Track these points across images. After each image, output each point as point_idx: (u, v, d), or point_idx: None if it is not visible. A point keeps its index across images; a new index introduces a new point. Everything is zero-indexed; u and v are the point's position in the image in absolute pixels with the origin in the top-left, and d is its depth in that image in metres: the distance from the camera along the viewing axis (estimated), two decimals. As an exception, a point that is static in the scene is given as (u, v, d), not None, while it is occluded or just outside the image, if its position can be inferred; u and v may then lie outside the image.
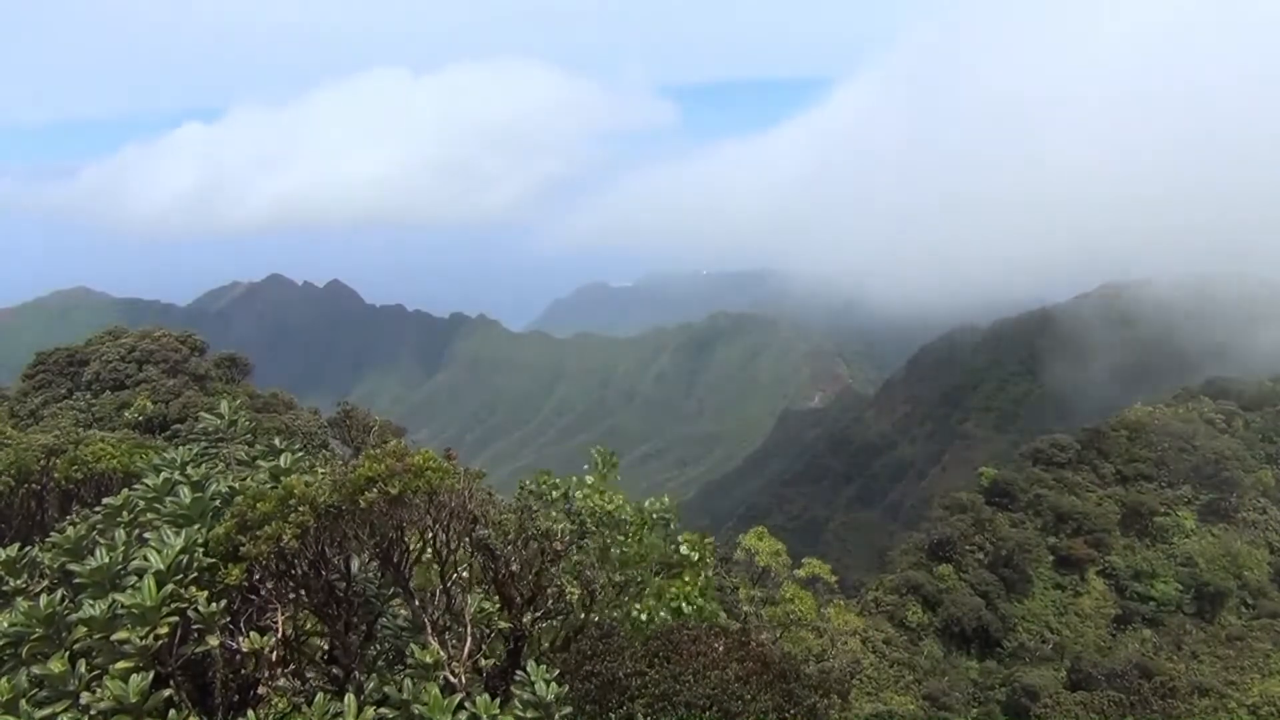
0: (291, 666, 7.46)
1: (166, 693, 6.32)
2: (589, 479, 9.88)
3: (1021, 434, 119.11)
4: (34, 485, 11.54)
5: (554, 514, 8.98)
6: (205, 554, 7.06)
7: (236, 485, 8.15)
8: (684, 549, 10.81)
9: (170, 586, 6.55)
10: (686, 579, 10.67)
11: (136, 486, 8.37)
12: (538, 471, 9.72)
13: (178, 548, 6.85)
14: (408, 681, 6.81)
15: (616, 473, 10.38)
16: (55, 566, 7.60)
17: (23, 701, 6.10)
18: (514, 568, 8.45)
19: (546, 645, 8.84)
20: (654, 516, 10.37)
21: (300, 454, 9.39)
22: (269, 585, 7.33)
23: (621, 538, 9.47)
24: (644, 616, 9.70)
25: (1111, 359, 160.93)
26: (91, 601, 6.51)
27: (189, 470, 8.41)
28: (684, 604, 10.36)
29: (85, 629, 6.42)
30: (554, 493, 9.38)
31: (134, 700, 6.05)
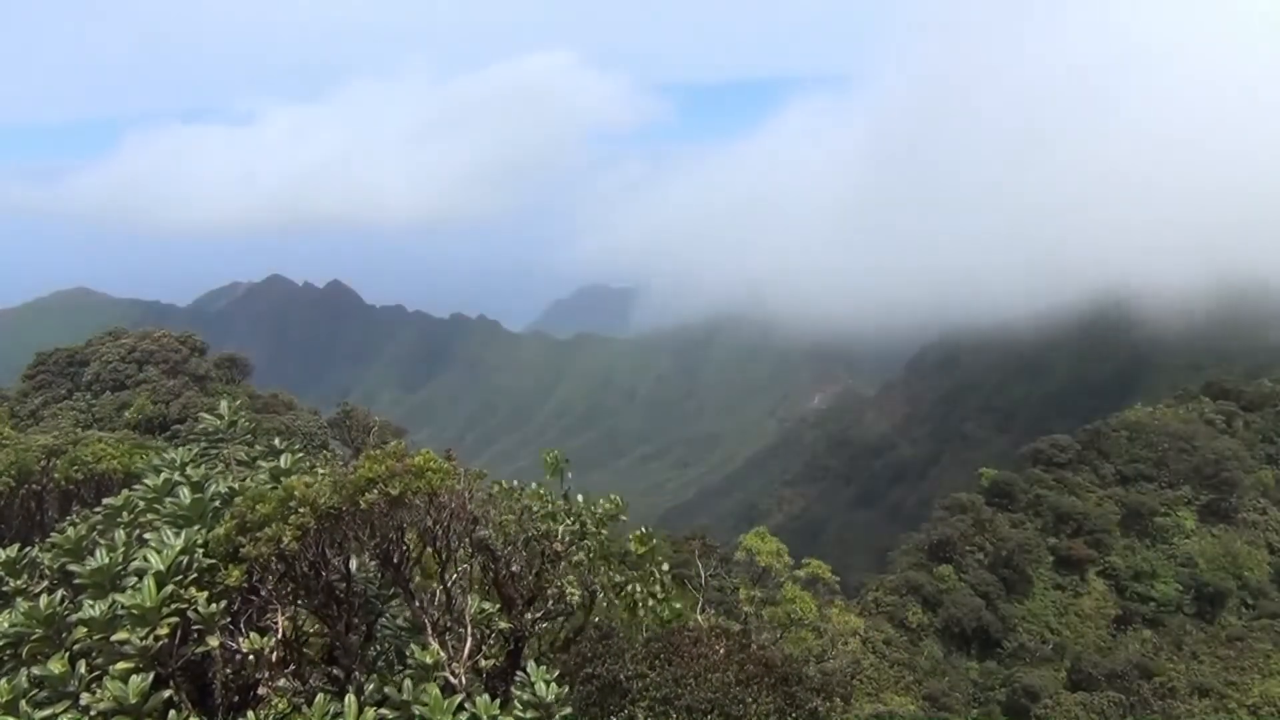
0: (291, 667, 7.45)
1: (166, 693, 6.32)
2: (536, 484, 9.65)
3: (1021, 434, 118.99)
4: (34, 486, 11.54)
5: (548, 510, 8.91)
6: (205, 555, 7.05)
7: (236, 486, 8.15)
8: (631, 545, 10.69)
9: (170, 587, 6.55)
10: (640, 577, 10.49)
11: (136, 487, 8.37)
12: (493, 482, 9.40)
13: (177, 548, 6.85)
14: (407, 682, 6.80)
15: (567, 474, 10.14)
16: (55, 567, 7.60)
17: (23, 702, 6.09)
18: (514, 568, 8.44)
19: (547, 646, 8.82)
20: (603, 516, 10.11)
21: (300, 455, 9.38)
22: (269, 586, 7.32)
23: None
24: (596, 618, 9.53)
25: (1111, 360, 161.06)
26: (91, 602, 6.50)
27: (189, 471, 8.41)
28: (639, 603, 10.14)
29: (85, 630, 6.42)
30: (524, 497, 9.14)
31: (134, 701, 6.05)
